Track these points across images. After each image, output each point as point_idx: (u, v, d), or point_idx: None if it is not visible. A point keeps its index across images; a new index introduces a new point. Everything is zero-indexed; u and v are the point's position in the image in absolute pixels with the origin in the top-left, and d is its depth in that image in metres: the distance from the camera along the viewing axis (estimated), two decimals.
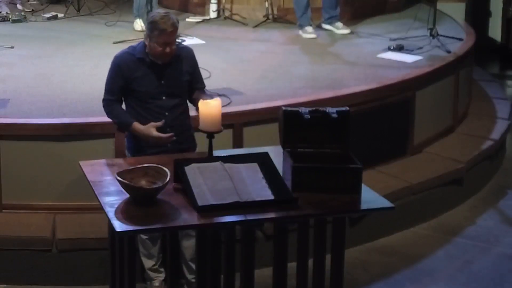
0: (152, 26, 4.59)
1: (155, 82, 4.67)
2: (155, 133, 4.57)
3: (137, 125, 4.63)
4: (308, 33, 7.97)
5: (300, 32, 8.04)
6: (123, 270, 4.23)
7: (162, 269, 4.92)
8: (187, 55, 4.78)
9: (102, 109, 5.78)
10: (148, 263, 4.91)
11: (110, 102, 4.75)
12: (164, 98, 4.67)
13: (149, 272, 4.91)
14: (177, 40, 4.78)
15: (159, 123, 4.58)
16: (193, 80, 4.79)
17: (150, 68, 4.67)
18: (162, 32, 4.55)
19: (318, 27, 8.14)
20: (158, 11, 4.72)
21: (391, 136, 6.27)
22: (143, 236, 4.82)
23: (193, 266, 4.81)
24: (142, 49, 4.70)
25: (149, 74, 4.67)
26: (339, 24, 8.06)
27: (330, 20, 8.08)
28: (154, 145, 4.63)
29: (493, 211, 6.27)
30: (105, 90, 4.77)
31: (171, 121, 4.67)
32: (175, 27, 4.59)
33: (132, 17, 8.39)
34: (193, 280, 4.84)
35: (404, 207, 5.79)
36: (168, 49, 4.59)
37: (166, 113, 4.68)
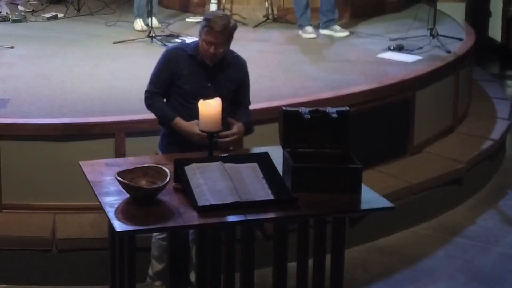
0: (204, 23, 4.52)
1: (201, 82, 4.61)
2: (197, 130, 4.46)
3: (179, 120, 4.56)
4: (308, 33, 7.97)
5: (300, 32, 8.04)
6: (123, 270, 4.23)
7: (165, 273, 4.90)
8: (239, 65, 4.70)
9: (102, 108, 5.80)
10: (157, 266, 4.85)
11: (153, 94, 4.66)
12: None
13: (155, 276, 4.89)
14: (232, 50, 4.69)
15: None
16: (239, 92, 4.69)
17: (199, 67, 4.60)
18: (210, 30, 4.48)
19: (317, 27, 8.13)
20: (217, 11, 4.65)
21: (391, 136, 6.27)
22: (162, 242, 4.76)
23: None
24: (195, 47, 4.62)
25: (196, 73, 4.60)
26: (337, 27, 8.05)
27: (327, 24, 8.06)
28: (194, 144, 4.54)
29: (493, 211, 6.27)
30: (150, 81, 4.69)
31: None
32: (224, 28, 4.48)
33: (132, 17, 8.39)
34: None
35: (404, 207, 5.79)
36: (212, 50, 4.50)
37: None
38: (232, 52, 4.71)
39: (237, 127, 4.58)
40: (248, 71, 4.76)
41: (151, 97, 4.69)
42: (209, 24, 4.49)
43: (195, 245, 4.32)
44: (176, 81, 4.62)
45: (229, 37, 4.56)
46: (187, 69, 4.60)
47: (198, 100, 4.52)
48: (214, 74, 4.62)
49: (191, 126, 4.52)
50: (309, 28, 7.99)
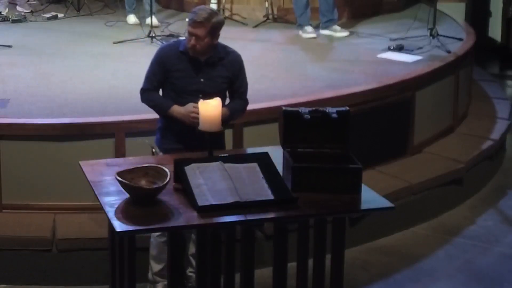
0: (189, 16, 4.59)
1: (193, 78, 4.64)
2: (192, 109, 4.53)
3: (176, 107, 4.61)
4: (308, 32, 7.97)
5: (300, 32, 8.03)
6: (123, 270, 4.23)
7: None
8: (233, 59, 4.70)
9: (102, 108, 5.81)
10: (156, 267, 4.86)
11: (147, 91, 4.72)
12: (200, 96, 4.56)
13: (155, 276, 4.87)
14: (225, 44, 4.70)
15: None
16: (233, 86, 4.70)
17: (190, 63, 4.64)
18: (191, 21, 4.54)
19: (317, 28, 8.13)
20: (203, 6, 4.71)
21: (391, 136, 6.27)
22: (159, 239, 4.78)
23: (193, 261, 4.82)
24: (186, 43, 4.66)
25: (188, 69, 4.64)
26: (337, 27, 8.05)
27: (327, 24, 8.05)
28: (189, 137, 4.59)
29: (493, 211, 6.27)
30: (145, 79, 4.74)
31: None
32: (205, 20, 4.50)
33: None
34: (190, 274, 4.84)
35: (404, 207, 5.79)
36: (193, 41, 4.54)
37: None
38: (226, 47, 4.72)
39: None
40: (243, 65, 4.75)
41: (145, 94, 4.75)
42: (191, 16, 4.56)
43: (195, 245, 4.32)
44: (169, 78, 4.67)
45: (211, 31, 4.55)
46: (179, 65, 4.64)
47: (191, 96, 4.59)
48: (206, 69, 4.65)
49: (187, 108, 4.57)
50: (309, 28, 7.99)
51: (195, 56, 4.62)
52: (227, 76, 4.68)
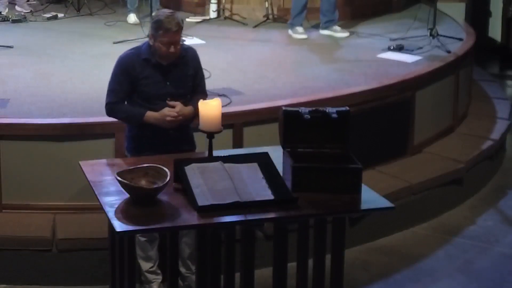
0: (157, 26, 4.55)
1: (161, 82, 4.65)
2: (168, 113, 4.57)
3: (150, 113, 4.61)
4: (299, 33, 7.96)
5: (290, 31, 8.02)
6: (123, 270, 4.23)
7: (159, 271, 4.90)
8: (192, 56, 4.75)
9: (102, 108, 5.79)
10: (145, 265, 4.87)
11: (112, 105, 4.69)
12: (169, 99, 4.63)
13: (147, 275, 4.88)
14: (182, 39, 4.75)
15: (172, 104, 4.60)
16: (195, 81, 4.76)
17: (155, 69, 4.64)
18: (167, 32, 4.51)
19: (317, 27, 8.13)
20: (164, 11, 4.67)
21: (391, 136, 6.27)
22: (142, 238, 4.80)
23: (189, 263, 4.82)
24: (147, 49, 4.65)
25: (154, 75, 4.64)
26: (337, 27, 8.05)
27: (327, 24, 8.05)
28: (163, 144, 4.63)
29: (493, 211, 6.27)
30: (108, 91, 4.71)
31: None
32: (179, 26, 4.56)
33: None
34: (187, 275, 4.84)
35: (404, 207, 5.79)
36: (172, 49, 4.56)
37: None
38: (182, 45, 4.74)
39: (179, 107, 4.60)
40: (199, 58, 4.80)
41: (112, 109, 4.72)
42: (163, 26, 4.53)
43: (195, 245, 4.32)
44: (136, 86, 4.66)
45: (181, 32, 4.63)
46: (144, 73, 4.64)
47: (161, 101, 4.62)
48: (171, 73, 4.67)
49: (162, 112, 4.58)
50: (300, 29, 7.98)
51: (158, 62, 4.63)
52: (191, 73, 4.73)
